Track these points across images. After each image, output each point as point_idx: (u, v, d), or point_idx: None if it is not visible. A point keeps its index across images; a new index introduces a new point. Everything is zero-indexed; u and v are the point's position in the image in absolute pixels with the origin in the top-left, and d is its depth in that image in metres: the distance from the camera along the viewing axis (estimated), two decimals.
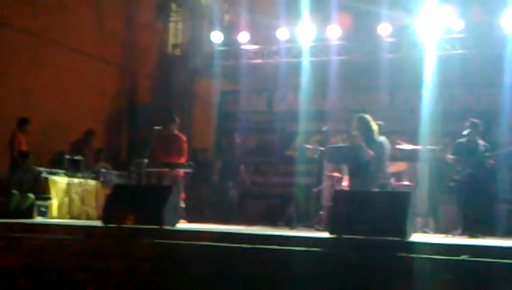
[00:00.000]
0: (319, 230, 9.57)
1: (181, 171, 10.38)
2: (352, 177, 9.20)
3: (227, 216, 11.79)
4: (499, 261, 5.60)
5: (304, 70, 13.11)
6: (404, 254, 5.94)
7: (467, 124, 9.81)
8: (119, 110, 14.47)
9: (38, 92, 11.78)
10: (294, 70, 13.25)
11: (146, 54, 14.79)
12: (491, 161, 9.58)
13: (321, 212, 10.46)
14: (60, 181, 10.43)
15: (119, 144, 14.46)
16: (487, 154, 9.57)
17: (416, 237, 7.17)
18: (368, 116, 9.39)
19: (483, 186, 9.75)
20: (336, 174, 10.58)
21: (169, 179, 10.19)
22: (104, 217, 7.74)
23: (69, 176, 10.66)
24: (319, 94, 13.50)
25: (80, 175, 10.88)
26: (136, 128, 14.04)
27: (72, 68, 12.48)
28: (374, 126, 9.27)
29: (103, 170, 11.37)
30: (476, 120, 9.81)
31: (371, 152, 8.96)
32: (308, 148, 11.49)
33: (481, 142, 9.78)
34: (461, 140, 9.86)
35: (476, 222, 9.47)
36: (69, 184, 10.54)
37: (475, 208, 9.54)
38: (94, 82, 13.05)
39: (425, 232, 10.28)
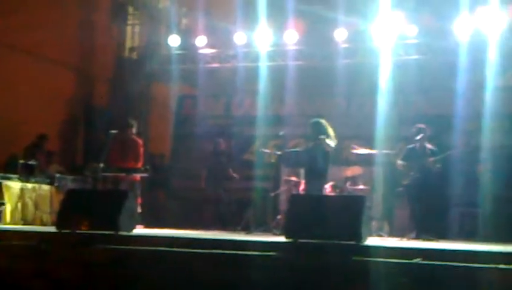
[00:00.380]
0: (276, 234, 9.59)
1: (137, 176, 10.31)
2: (308, 181, 9.27)
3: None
4: (451, 264, 5.71)
5: (261, 75, 13.13)
6: (359, 258, 6.01)
7: (413, 130, 9.98)
8: (75, 114, 14.29)
9: None
10: (252, 74, 13.28)
11: (103, 57, 14.63)
12: (438, 165, 9.75)
13: (278, 217, 10.50)
14: (13, 186, 10.24)
15: (75, 148, 14.28)
16: (431, 159, 9.75)
17: (371, 241, 7.26)
18: (323, 121, 9.49)
19: (433, 191, 9.92)
20: (294, 178, 10.64)
21: (126, 184, 10.12)
22: (58, 223, 7.63)
23: (22, 181, 10.47)
24: (276, 99, 13.54)
25: (33, 180, 10.70)
26: (92, 132, 13.88)
27: (27, 71, 12.28)
28: (330, 131, 9.38)
29: (58, 175, 11.21)
30: (422, 125, 9.99)
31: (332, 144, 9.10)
32: (266, 153, 11.53)
33: (429, 146, 9.96)
34: (410, 146, 10.05)
35: (429, 225, 9.65)
36: (22, 189, 10.36)
37: (427, 212, 9.71)
38: (50, 85, 12.84)
39: (380, 235, 10.41)
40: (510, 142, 11.80)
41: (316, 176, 9.26)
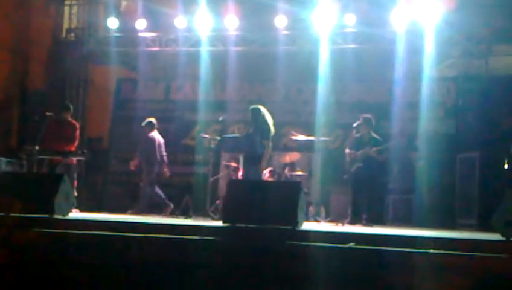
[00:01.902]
0: (214, 219, 9.64)
1: (74, 159, 10.17)
2: (246, 166, 9.33)
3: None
4: (384, 249, 5.86)
5: (202, 59, 13.10)
6: (295, 242, 6.10)
7: (360, 119, 10.17)
8: (10, 95, 13.93)
9: None
10: (193, 59, 13.22)
11: (39, 38, 14.28)
12: (382, 155, 9.98)
13: (217, 202, 10.55)
14: None
15: (9, 130, 13.92)
16: (374, 148, 9.96)
17: (307, 226, 7.37)
18: (262, 108, 9.57)
19: (373, 178, 10.14)
20: (233, 164, 10.69)
21: (62, 167, 9.96)
22: None
23: None
24: (217, 84, 13.54)
25: None
26: (27, 115, 13.56)
27: None
28: (268, 117, 9.47)
29: None
30: (368, 115, 10.20)
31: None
32: (206, 138, 11.53)
33: (374, 135, 10.17)
34: (357, 135, 10.24)
35: (364, 211, 9.86)
36: None
37: (365, 198, 9.92)
38: None
39: (316, 220, 10.59)
40: (444, 130, 12.13)
41: (254, 161, 9.35)
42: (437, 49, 11.76)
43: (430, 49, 11.71)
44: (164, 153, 11.67)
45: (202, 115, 13.10)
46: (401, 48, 11.90)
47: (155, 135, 11.71)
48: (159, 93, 14.30)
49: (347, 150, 10.23)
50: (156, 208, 12.01)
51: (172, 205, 11.32)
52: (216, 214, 10.12)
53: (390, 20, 11.89)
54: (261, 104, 10.03)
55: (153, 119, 11.78)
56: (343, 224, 9.58)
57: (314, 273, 5.78)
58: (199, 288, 5.98)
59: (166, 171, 11.62)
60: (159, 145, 11.63)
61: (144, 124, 11.75)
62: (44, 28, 14.37)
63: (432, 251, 5.69)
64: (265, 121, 9.44)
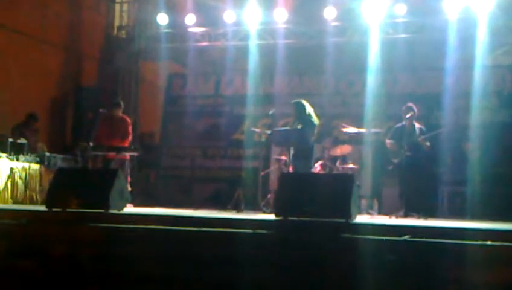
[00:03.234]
0: (266, 213, 9.65)
1: (127, 155, 10.31)
2: (297, 160, 9.30)
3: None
4: (439, 241, 5.78)
5: (251, 53, 13.11)
6: (349, 235, 6.06)
7: (403, 108, 10.02)
8: (64, 92, 14.20)
9: None
10: (242, 53, 13.25)
11: (91, 36, 14.53)
12: (427, 143, 9.81)
13: (268, 195, 10.55)
14: (2, 165, 10.21)
15: (64, 127, 14.21)
16: (422, 137, 9.80)
17: (360, 219, 7.31)
18: (304, 101, 9.54)
19: (423, 169, 9.98)
20: (284, 157, 10.66)
21: (116, 163, 10.11)
22: (48, 202, 7.63)
23: (12, 160, 10.44)
24: (266, 78, 13.55)
25: (23, 159, 10.67)
26: (81, 111, 13.81)
27: (14, 50, 12.18)
28: (311, 110, 9.43)
29: (47, 154, 11.18)
30: (411, 104, 10.02)
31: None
32: (256, 132, 11.54)
33: (418, 125, 10.00)
34: (398, 125, 10.08)
35: (418, 203, 9.71)
36: (12, 168, 10.32)
37: (416, 191, 9.77)
38: (37, 64, 12.75)
39: (369, 213, 10.49)
40: (498, 120, 11.86)
41: (305, 155, 9.32)
42: (491, 37, 11.51)
43: (483, 37, 11.46)
44: None
45: (252, 109, 13.12)
46: (453, 37, 11.69)
47: None
48: (209, 88, 14.39)
49: (388, 141, 10.07)
50: (208, 201, 12.11)
51: None
52: (268, 208, 10.11)
53: (442, 8, 11.69)
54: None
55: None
56: (396, 217, 9.46)
57: (368, 267, 5.73)
58: (252, 282, 5.99)
59: None
60: None
61: None
62: (96, 26, 14.62)
63: (489, 243, 5.58)
64: (310, 115, 9.41)
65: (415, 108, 9.95)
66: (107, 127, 10.30)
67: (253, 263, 5.99)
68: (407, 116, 9.88)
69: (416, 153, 9.74)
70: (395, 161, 9.90)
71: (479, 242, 5.63)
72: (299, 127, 9.40)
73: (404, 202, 9.75)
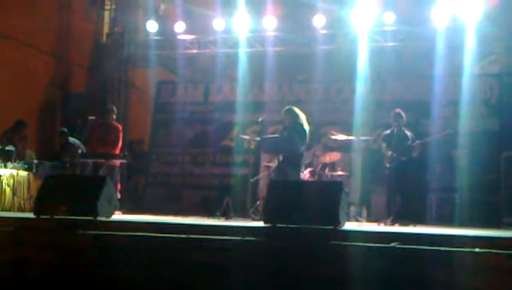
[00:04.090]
0: (255, 220, 9.65)
1: (117, 162, 10.28)
2: (286, 167, 9.31)
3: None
4: (427, 248, 5.79)
5: (240, 61, 13.14)
6: (337, 242, 6.07)
7: (392, 114, 10.06)
8: (52, 99, 14.16)
9: None
10: (231, 61, 13.29)
11: (80, 42, 14.51)
12: (417, 150, 9.85)
13: (257, 202, 10.55)
14: None
15: (52, 134, 14.16)
16: (412, 143, 9.84)
17: (349, 226, 7.33)
18: (295, 108, 9.56)
19: (413, 176, 10.01)
20: (273, 164, 10.67)
21: (105, 170, 10.09)
22: (36, 209, 7.59)
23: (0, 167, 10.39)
24: (255, 85, 13.58)
25: (11, 166, 10.61)
26: (69, 118, 13.77)
27: (2, 56, 12.13)
28: (303, 117, 9.45)
29: (35, 161, 11.12)
30: (399, 110, 10.06)
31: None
32: (245, 139, 11.56)
33: (408, 132, 10.04)
34: (387, 131, 10.10)
35: (406, 210, 9.74)
36: (0, 175, 10.28)
37: (406, 197, 9.81)
38: (26, 70, 12.70)
39: (358, 220, 10.51)
40: (486, 128, 11.93)
41: (294, 162, 9.34)
42: (478, 46, 11.58)
43: (471, 46, 11.53)
44: None
45: (241, 116, 13.14)
46: (441, 45, 11.77)
47: None
48: (199, 95, 14.40)
49: (383, 145, 10.10)
50: (197, 208, 12.09)
51: None
52: (257, 215, 10.12)
53: (431, 16, 11.76)
54: (300, 104, 10.02)
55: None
56: (384, 224, 9.49)
57: (357, 274, 5.73)
58: (241, 289, 5.98)
59: None
60: None
61: None
62: (85, 33, 14.61)
63: (477, 250, 5.60)
64: (303, 122, 9.43)
65: (403, 114, 10.00)
66: (97, 133, 10.29)
67: (242, 270, 5.99)
68: (397, 122, 9.91)
69: (408, 158, 9.79)
70: (389, 165, 9.88)
71: (467, 249, 5.65)
72: (286, 134, 9.42)
73: (393, 209, 9.79)
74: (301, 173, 9.79)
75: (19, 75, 12.46)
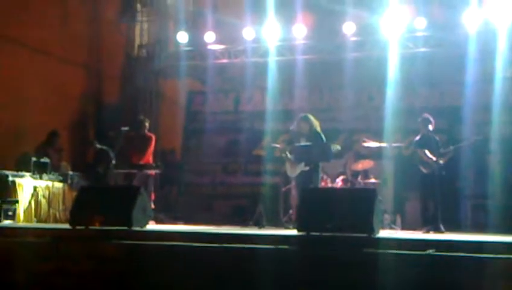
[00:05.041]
0: (288, 228, 9.64)
1: (151, 172, 10.38)
2: (312, 175, 9.30)
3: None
4: (463, 255, 5.74)
5: (270, 70, 13.15)
6: (371, 250, 6.04)
7: (420, 120, 9.96)
8: (85, 111, 14.35)
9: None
10: (261, 70, 13.30)
11: (111, 55, 14.67)
12: (450, 156, 9.74)
13: (290, 211, 10.54)
14: (26, 184, 10.31)
15: (85, 146, 14.33)
16: (445, 149, 9.74)
17: (383, 233, 7.28)
18: (311, 116, 9.55)
19: (447, 182, 9.90)
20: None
21: (139, 180, 10.18)
22: (71, 220, 7.69)
23: (35, 179, 10.55)
24: (285, 93, 13.58)
25: (46, 177, 10.77)
26: (102, 130, 13.93)
27: (35, 69, 12.31)
28: (316, 123, 9.44)
29: (70, 173, 11.28)
30: (427, 115, 9.96)
31: None
32: (276, 148, 11.56)
33: (436, 137, 9.94)
34: (417, 137, 9.98)
35: (441, 218, 9.63)
36: (35, 187, 10.43)
37: (440, 204, 9.69)
38: (58, 83, 12.86)
39: (392, 228, 10.44)
40: None
41: (318, 169, 9.37)
42: (511, 50, 11.44)
43: (503, 50, 11.40)
44: None
45: (271, 125, 13.15)
46: (473, 50, 11.64)
47: None
48: (229, 104, 14.47)
49: (419, 150, 9.86)
50: (229, 217, 12.12)
51: None
52: (290, 223, 10.10)
53: (462, 21, 11.64)
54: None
55: None
56: (420, 232, 9.40)
57: (391, 282, 5.70)
58: None
59: None
60: None
61: None
62: (116, 45, 14.77)
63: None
64: (319, 130, 9.43)
65: (431, 119, 9.90)
66: (130, 144, 10.40)
67: (275, 279, 5.99)
68: (429, 127, 9.81)
69: (443, 164, 9.68)
70: (425, 171, 9.77)
71: (502, 255, 5.58)
72: (319, 141, 9.40)
73: (427, 216, 9.69)
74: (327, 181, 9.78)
75: (52, 88, 12.63)
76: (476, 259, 5.62)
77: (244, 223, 11.14)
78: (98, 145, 11.33)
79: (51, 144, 11.64)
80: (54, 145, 11.69)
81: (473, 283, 5.47)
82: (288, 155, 9.76)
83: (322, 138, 9.35)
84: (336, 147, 9.51)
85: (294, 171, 9.58)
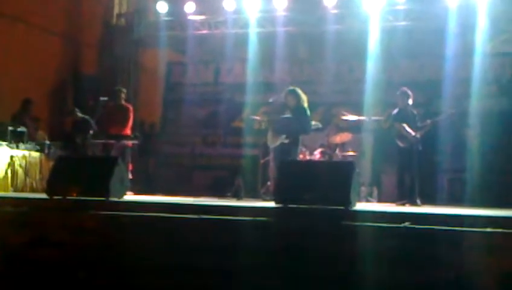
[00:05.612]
0: (266, 200, 9.66)
1: (128, 143, 10.32)
2: (291, 148, 9.31)
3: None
4: (439, 228, 5.79)
5: (250, 41, 13.09)
6: (348, 222, 6.08)
7: (398, 93, 9.97)
8: (63, 80, 14.19)
9: None
10: (241, 41, 13.23)
11: (90, 23, 14.49)
12: (427, 129, 9.76)
13: (268, 183, 10.57)
14: (2, 153, 10.21)
15: (63, 115, 14.19)
16: (422, 123, 9.78)
17: (360, 206, 7.33)
18: (298, 89, 9.52)
19: (424, 156, 9.96)
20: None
21: (116, 150, 10.13)
22: (48, 189, 7.64)
23: (12, 148, 10.45)
24: (266, 66, 13.53)
25: (23, 147, 10.67)
26: (81, 99, 13.80)
27: (13, 37, 12.15)
28: (304, 98, 9.42)
29: (47, 142, 11.18)
30: (405, 89, 9.96)
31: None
32: (256, 120, 11.54)
33: (414, 111, 9.97)
34: (395, 110, 9.98)
35: (417, 191, 9.71)
36: (12, 156, 10.33)
37: (416, 177, 9.75)
38: (36, 52, 12.72)
39: (369, 201, 10.52)
40: (498, 107, 11.86)
41: (297, 142, 9.38)
42: (491, 25, 11.48)
43: (483, 25, 11.43)
44: None
45: (251, 97, 13.12)
46: (453, 24, 11.68)
47: None
48: (209, 76, 14.40)
49: (397, 123, 9.88)
50: (208, 189, 12.12)
51: None
52: (268, 195, 10.13)
53: None
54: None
55: None
56: (396, 204, 9.49)
57: (368, 254, 5.74)
58: (252, 269, 6.01)
59: None
60: None
61: None
62: (95, 14, 14.58)
63: (488, 229, 5.60)
64: (305, 104, 9.42)
65: (409, 92, 9.90)
66: (109, 114, 10.32)
67: (253, 250, 6.01)
68: (408, 101, 9.82)
69: (420, 137, 9.71)
70: (403, 145, 9.80)
71: (479, 229, 5.65)
72: (300, 114, 9.40)
73: (404, 189, 9.76)
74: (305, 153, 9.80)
75: (30, 56, 12.48)
76: (451, 232, 5.68)
77: (222, 195, 11.16)
78: (79, 114, 11.27)
79: (26, 112, 11.51)
80: (29, 112, 11.56)
81: (449, 256, 5.52)
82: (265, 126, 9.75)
83: (306, 114, 9.31)
84: (317, 125, 9.53)
85: (275, 142, 9.58)
